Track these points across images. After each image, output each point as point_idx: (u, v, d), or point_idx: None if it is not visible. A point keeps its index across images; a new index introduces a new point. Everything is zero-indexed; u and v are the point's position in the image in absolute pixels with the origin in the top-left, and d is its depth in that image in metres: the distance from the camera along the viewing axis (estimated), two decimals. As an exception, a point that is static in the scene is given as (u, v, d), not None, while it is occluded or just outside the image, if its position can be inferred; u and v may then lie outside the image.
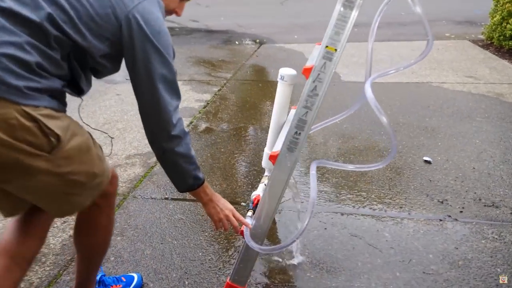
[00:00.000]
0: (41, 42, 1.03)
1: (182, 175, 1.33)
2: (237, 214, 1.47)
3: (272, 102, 1.87)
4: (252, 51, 5.76)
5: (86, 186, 1.18)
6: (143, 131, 1.27)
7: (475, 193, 2.31)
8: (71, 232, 2.04)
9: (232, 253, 1.91)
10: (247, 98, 3.95)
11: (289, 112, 1.81)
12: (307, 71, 1.34)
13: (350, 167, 1.54)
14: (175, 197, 2.36)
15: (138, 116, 1.27)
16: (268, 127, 1.85)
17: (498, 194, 2.29)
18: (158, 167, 2.68)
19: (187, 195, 2.36)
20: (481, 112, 3.40)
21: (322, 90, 1.33)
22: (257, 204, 1.63)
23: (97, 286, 1.57)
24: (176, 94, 1.25)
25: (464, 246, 1.90)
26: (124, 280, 1.66)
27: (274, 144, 1.78)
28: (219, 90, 4.14)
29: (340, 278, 1.74)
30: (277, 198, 1.44)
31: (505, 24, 5.06)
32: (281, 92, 1.71)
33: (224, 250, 1.93)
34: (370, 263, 1.82)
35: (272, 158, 1.42)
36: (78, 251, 1.45)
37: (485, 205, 2.20)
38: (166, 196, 2.37)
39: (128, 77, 1.22)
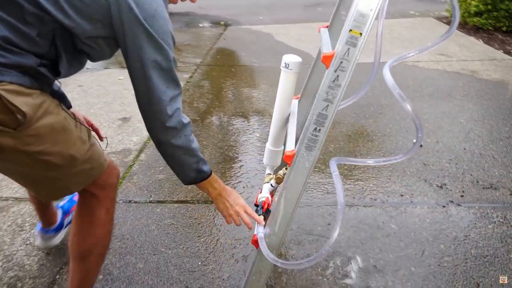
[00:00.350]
0: (13, 17, 0.96)
1: (182, 167, 1.27)
2: (249, 210, 1.38)
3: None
4: (218, 34, 5.50)
5: (65, 170, 1.12)
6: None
7: (472, 175, 2.28)
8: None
9: (236, 260, 1.75)
10: (221, 85, 3.73)
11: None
12: (327, 59, 1.18)
13: (369, 161, 1.41)
14: (161, 199, 2.15)
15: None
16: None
17: (494, 175, 2.26)
18: (137, 166, 2.45)
19: (175, 196, 2.18)
20: (459, 91, 3.40)
21: (345, 80, 1.18)
22: (267, 209, 1.48)
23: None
24: (173, 83, 1.15)
25: (473, 233, 1.85)
26: (120, 303, 1.48)
27: (278, 139, 1.63)
28: (190, 77, 3.88)
29: (353, 279, 1.64)
30: (294, 202, 1.29)
31: (470, 0, 5.11)
32: (285, 82, 1.54)
33: (226, 257, 1.76)
34: (383, 259, 1.72)
35: (288, 158, 1.26)
36: (73, 258, 1.32)
37: (484, 188, 2.16)
38: (151, 199, 2.16)
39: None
